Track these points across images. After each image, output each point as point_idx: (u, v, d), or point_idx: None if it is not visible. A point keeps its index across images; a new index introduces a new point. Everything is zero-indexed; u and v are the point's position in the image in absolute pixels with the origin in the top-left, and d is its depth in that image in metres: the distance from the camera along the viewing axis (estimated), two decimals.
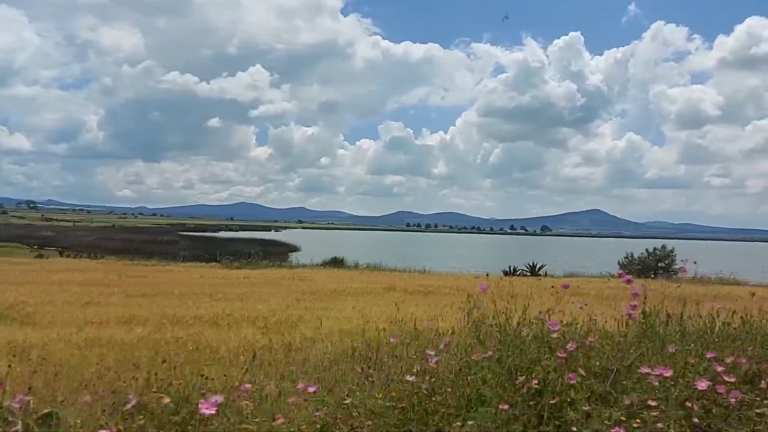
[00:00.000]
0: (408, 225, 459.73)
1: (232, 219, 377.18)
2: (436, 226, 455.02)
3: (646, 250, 34.56)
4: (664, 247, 35.08)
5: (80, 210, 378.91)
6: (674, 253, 34.16)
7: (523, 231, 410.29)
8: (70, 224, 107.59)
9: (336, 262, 37.76)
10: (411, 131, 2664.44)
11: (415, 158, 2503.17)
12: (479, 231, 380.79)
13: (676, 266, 32.98)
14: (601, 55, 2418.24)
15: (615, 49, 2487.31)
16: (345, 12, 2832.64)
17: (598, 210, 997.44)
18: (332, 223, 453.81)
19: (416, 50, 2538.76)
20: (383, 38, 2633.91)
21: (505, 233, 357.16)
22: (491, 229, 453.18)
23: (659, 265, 33.07)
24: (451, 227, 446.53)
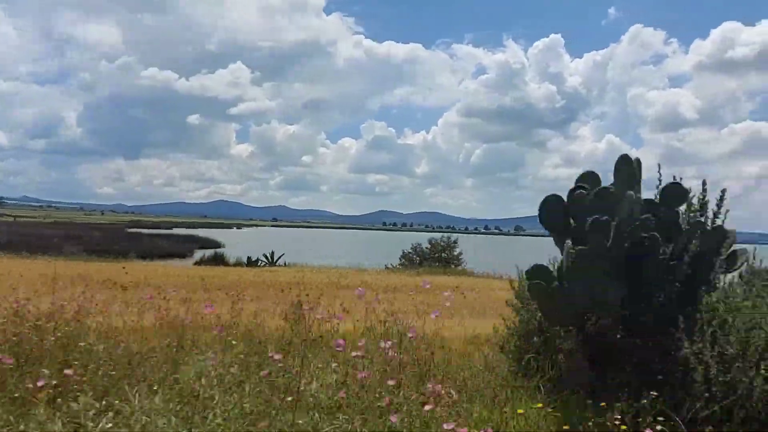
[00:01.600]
0: (385, 224, 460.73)
1: (205, 217, 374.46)
2: (411, 225, 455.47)
3: (429, 241, 34.37)
4: (449, 238, 34.91)
5: (49, 207, 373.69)
6: (456, 245, 34.20)
7: (497, 231, 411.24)
8: (11, 219, 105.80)
9: (216, 259, 37.72)
10: (393, 130, 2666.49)
11: (398, 157, 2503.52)
12: (453, 230, 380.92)
13: (461, 258, 33.34)
14: (580, 57, 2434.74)
15: (594, 51, 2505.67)
16: (328, 11, 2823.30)
17: None
18: (309, 222, 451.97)
19: (399, 50, 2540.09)
20: (366, 37, 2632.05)
21: (479, 233, 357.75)
22: (466, 228, 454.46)
23: (443, 255, 32.85)
24: (426, 226, 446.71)
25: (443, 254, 33.19)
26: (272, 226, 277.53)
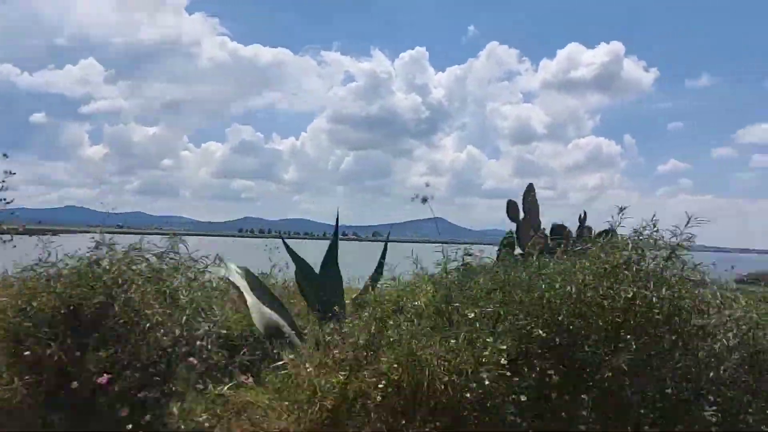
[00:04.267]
0: (241, 230, 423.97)
1: (40, 222, 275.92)
2: (269, 232, 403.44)
3: None
4: None
5: None
6: None
7: (354, 237, 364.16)
8: None
9: None
10: (261, 135, 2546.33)
11: (265, 163, 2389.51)
12: (312, 237, 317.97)
13: None
14: (443, 71, 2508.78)
15: (456, 66, 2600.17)
16: (190, 10, 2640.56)
17: (441, 218, 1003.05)
18: (160, 228, 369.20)
19: (265, 53, 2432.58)
20: (231, 39, 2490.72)
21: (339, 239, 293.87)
22: (324, 234, 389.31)
23: None
24: (284, 232, 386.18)
25: None
26: (112, 233, 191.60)
